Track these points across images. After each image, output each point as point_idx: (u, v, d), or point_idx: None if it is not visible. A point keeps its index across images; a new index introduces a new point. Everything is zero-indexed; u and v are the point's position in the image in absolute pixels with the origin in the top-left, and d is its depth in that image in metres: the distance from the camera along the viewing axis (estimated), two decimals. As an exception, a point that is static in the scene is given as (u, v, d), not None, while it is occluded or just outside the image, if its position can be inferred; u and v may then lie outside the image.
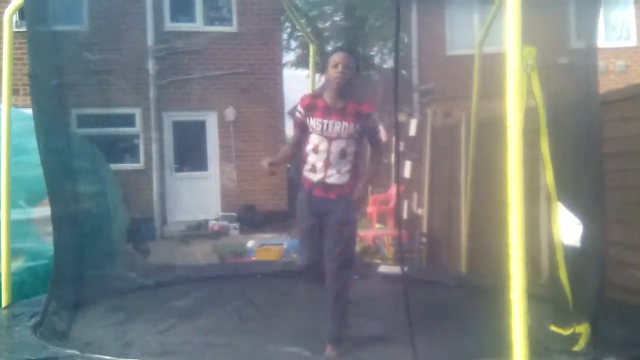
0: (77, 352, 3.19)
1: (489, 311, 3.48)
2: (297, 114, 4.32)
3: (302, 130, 4.30)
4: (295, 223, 4.45)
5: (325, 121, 4.19)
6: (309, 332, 4.14)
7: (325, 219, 4.21)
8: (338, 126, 4.17)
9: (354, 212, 4.31)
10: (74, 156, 5.04)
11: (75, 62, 9.87)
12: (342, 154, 4.18)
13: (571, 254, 3.48)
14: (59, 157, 4.44)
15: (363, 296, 4.80)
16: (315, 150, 4.20)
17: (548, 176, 3.26)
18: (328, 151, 4.18)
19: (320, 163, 4.19)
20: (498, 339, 2.70)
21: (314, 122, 4.21)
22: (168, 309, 4.50)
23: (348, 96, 4.23)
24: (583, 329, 3.14)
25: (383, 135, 10.89)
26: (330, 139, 4.17)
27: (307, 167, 4.25)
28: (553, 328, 3.31)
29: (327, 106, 4.22)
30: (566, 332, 3.24)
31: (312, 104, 4.26)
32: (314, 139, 4.21)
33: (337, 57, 4.17)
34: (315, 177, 4.21)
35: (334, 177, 4.17)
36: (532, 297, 2.67)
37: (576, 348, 3.08)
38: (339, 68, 4.12)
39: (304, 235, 4.35)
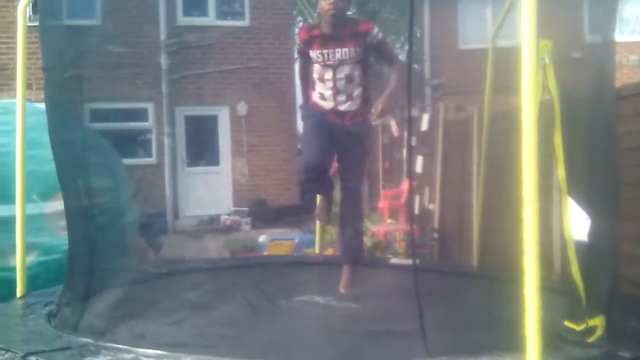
0: (90, 341, 3.20)
1: (502, 304, 3.47)
2: (297, 46, 4.43)
3: (305, 57, 4.36)
4: (302, 144, 4.51)
5: (325, 51, 4.22)
6: (321, 325, 4.14)
7: (338, 144, 4.27)
8: (339, 53, 4.19)
9: (368, 136, 4.46)
10: (87, 150, 5.06)
11: (87, 56, 9.90)
12: (349, 79, 4.23)
13: (583, 248, 3.46)
14: (72, 151, 4.46)
15: (374, 288, 4.80)
16: (321, 79, 4.25)
17: (560, 170, 3.24)
18: (334, 79, 4.22)
19: (328, 92, 4.24)
20: (512, 332, 2.70)
21: (314, 54, 4.26)
22: (180, 301, 4.51)
23: (343, 22, 4.24)
24: (598, 321, 3.13)
25: (395, 129, 10.87)
26: (334, 67, 4.20)
27: (317, 94, 4.31)
28: (567, 323, 3.30)
29: (324, 36, 4.24)
30: (579, 328, 3.23)
31: (309, 37, 4.31)
32: (318, 69, 4.27)
33: None
34: (327, 104, 4.26)
35: (345, 105, 4.22)
36: (545, 289, 2.66)
37: (591, 339, 3.06)
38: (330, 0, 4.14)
39: (315, 147, 4.33)
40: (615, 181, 3.54)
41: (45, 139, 4.34)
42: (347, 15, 4.32)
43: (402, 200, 9.71)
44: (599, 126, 3.55)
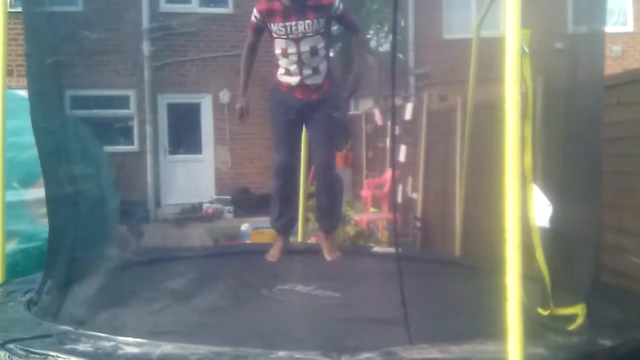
0: (70, 329, 3.18)
1: (484, 293, 3.49)
2: (253, 19, 4.23)
3: (258, 34, 4.26)
4: (272, 125, 4.42)
5: (287, 23, 4.11)
6: (304, 313, 4.14)
7: (308, 119, 4.23)
8: (302, 25, 4.09)
9: (336, 109, 4.38)
10: (68, 137, 5.02)
11: (69, 43, 9.81)
12: (313, 52, 4.13)
13: (566, 236, 3.48)
14: (53, 138, 4.41)
15: (356, 276, 4.81)
16: (285, 54, 4.15)
17: (527, 158, 3.26)
18: (298, 53, 4.12)
19: (293, 66, 4.15)
20: (493, 320, 2.71)
21: (276, 27, 4.13)
22: (162, 289, 4.49)
23: None
24: (579, 309, 3.16)
25: (378, 118, 10.88)
26: (297, 40, 4.11)
27: (281, 71, 4.22)
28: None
29: (286, 8, 4.12)
30: (545, 313, 3.27)
31: (269, 8, 4.16)
32: (280, 44, 4.15)
33: None
34: (292, 79, 4.17)
35: (311, 78, 4.13)
36: (527, 277, 2.67)
37: (572, 327, 3.09)
38: None
39: (283, 133, 4.31)
40: (598, 171, 3.57)
41: (26, 125, 4.29)
42: None
43: (385, 189, 9.72)
44: (585, 116, 3.58)
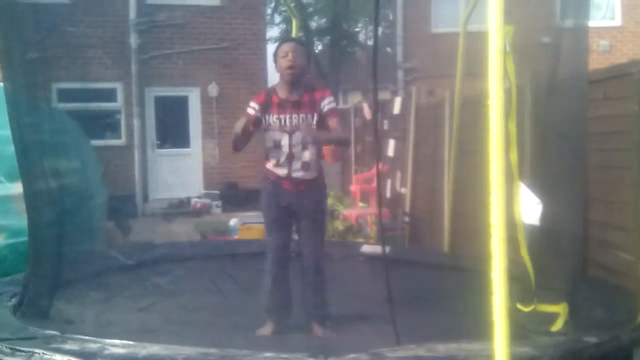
0: (57, 333, 3.16)
1: (470, 291, 3.49)
2: (251, 110, 4.16)
3: (255, 126, 4.15)
4: (263, 213, 4.37)
5: (282, 116, 4.10)
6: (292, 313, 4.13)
7: (297, 209, 4.18)
8: (296, 119, 4.09)
9: (324, 199, 4.40)
10: (52, 131, 4.97)
11: (56, 36, 9.72)
12: (305, 146, 4.10)
13: (547, 233, 3.49)
14: (35, 133, 4.36)
15: (345, 275, 4.81)
16: (277, 146, 4.12)
17: (512, 155, 3.27)
18: (290, 145, 4.10)
19: (283, 158, 4.12)
20: (480, 319, 2.71)
21: (271, 119, 4.12)
22: (149, 287, 4.48)
23: (301, 87, 4.14)
24: (561, 308, 3.16)
25: (367, 113, 10.86)
26: (290, 133, 4.10)
27: (271, 163, 4.18)
28: (518, 306, 3.34)
29: (282, 101, 4.12)
30: (527, 309, 3.28)
31: (267, 101, 4.14)
32: (273, 135, 4.13)
33: (286, 47, 4.09)
34: (281, 171, 4.14)
35: (300, 171, 4.12)
36: (512, 278, 2.67)
37: (554, 328, 3.10)
38: (289, 57, 4.03)
39: (275, 222, 4.25)
40: (582, 166, 3.57)
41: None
42: (306, 77, 4.20)
43: (374, 184, 9.71)
44: (568, 111, 3.58)
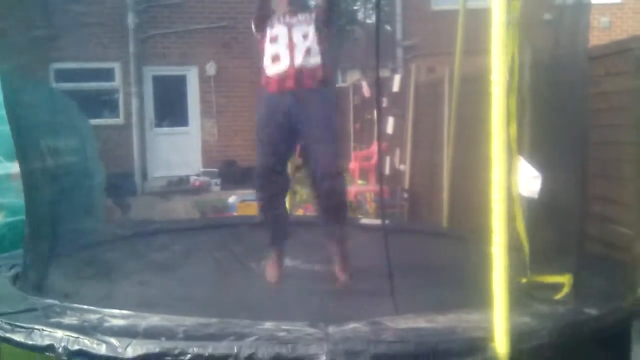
0: (56, 302, 3.17)
1: (470, 263, 3.51)
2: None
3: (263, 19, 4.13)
4: (257, 133, 4.13)
5: (282, 17, 4.09)
6: (291, 285, 4.15)
7: (301, 119, 3.92)
8: (295, 17, 4.05)
9: (333, 101, 4.20)
10: (50, 111, 4.96)
11: (53, 16, 9.67)
12: (305, 37, 3.98)
13: (548, 207, 3.50)
14: (33, 112, 4.35)
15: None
16: (275, 40, 4.02)
17: (512, 130, 3.27)
18: (289, 37, 3.98)
19: (283, 49, 3.98)
20: (480, 290, 2.72)
21: (270, 20, 4.12)
22: (147, 261, 4.48)
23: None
24: (566, 279, 3.18)
25: (366, 90, 10.83)
26: (290, 26, 4.02)
27: (268, 60, 4.03)
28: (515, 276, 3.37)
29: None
30: (522, 280, 3.29)
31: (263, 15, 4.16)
32: (270, 32, 4.06)
33: None
34: (281, 66, 3.96)
35: (302, 60, 3.93)
36: (513, 248, 2.69)
37: (558, 296, 3.11)
38: None
39: (268, 137, 4.05)
40: (584, 141, 3.57)
41: (9, 98, 4.24)
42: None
43: (373, 161, 9.70)
44: (569, 87, 3.57)
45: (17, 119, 4.03)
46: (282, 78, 3.96)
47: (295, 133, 4.00)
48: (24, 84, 4.39)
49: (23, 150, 4.11)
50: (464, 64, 6.13)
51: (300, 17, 4.07)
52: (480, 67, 4.16)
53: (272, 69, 4.02)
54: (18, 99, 4.10)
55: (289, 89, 3.95)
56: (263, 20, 4.19)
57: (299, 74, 3.93)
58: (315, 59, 3.98)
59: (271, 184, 4.10)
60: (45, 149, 4.36)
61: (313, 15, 4.08)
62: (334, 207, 4.00)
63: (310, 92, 3.94)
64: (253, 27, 4.26)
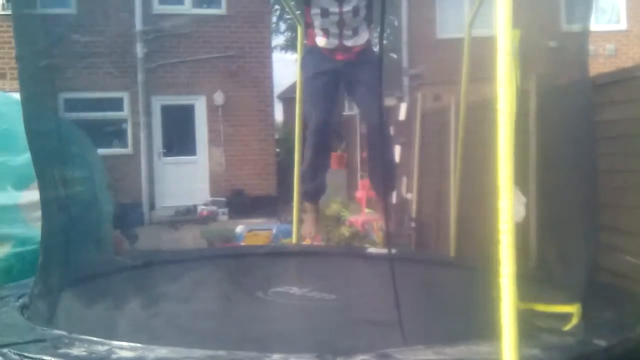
0: (64, 333, 3.16)
1: (478, 293, 3.48)
2: None
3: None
4: (304, 87, 4.18)
5: None
6: (299, 316, 4.13)
7: (350, 78, 3.99)
8: None
9: (376, 67, 4.02)
10: (62, 141, 4.99)
11: (63, 45, 9.79)
12: (356, 12, 3.94)
13: (562, 235, 3.49)
14: (47, 142, 4.39)
15: (351, 278, 4.80)
16: (325, 14, 3.93)
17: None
18: (340, 12, 3.92)
19: (333, 26, 3.95)
20: (488, 321, 2.70)
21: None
22: (155, 292, 4.47)
23: None
24: (574, 309, 3.16)
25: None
26: (340, 1, 3.91)
27: (318, 32, 3.99)
28: (537, 307, 3.34)
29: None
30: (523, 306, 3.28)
31: None
32: (320, 2, 3.92)
33: None
34: (331, 42, 3.97)
35: (352, 39, 3.95)
36: (521, 277, 2.67)
37: (567, 327, 3.09)
38: None
39: (318, 93, 4.06)
40: (593, 170, 3.57)
41: (20, 128, 4.27)
42: None
43: (380, 189, 9.71)
44: (575, 115, 3.58)
45: (32, 148, 4.08)
46: (329, 49, 4.01)
47: (340, 89, 4.11)
48: (41, 112, 4.44)
49: (40, 179, 4.16)
50: (470, 92, 6.15)
51: None
52: (486, 95, 4.18)
53: (320, 38, 4.03)
54: (33, 127, 4.15)
55: (336, 59, 4.01)
56: None
57: (346, 51, 3.98)
58: (364, 36, 4.02)
59: (323, 135, 4.10)
60: (58, 178, 4.39)
61: None
62: (383, 154, 4.16)
63: (355, 62, 4.01)
64: None
